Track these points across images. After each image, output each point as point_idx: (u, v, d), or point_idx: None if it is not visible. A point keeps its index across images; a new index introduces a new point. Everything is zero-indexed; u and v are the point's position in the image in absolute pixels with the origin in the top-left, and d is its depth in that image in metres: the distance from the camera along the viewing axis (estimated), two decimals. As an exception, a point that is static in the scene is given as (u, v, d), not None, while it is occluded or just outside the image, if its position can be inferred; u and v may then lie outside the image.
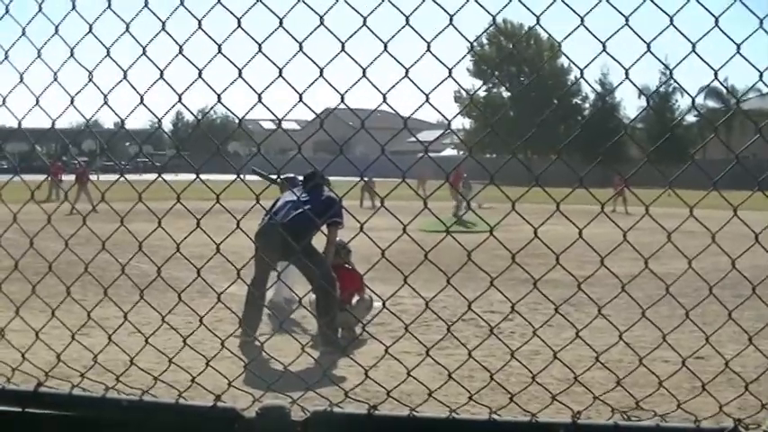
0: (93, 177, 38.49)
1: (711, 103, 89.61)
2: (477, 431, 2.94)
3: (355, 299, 12.42)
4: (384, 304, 12.23)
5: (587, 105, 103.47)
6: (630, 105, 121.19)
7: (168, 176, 3.48)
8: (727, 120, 32.56)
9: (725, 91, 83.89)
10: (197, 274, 3.33)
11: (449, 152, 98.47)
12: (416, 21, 2.95)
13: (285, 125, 3.26)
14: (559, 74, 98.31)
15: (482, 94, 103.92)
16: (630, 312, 5.13)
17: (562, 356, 3.63)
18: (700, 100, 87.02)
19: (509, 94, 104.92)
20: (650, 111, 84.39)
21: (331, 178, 12.97)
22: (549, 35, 2.96)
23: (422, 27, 2.97)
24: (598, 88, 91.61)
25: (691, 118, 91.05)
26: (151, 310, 3.89)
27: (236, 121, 3.16)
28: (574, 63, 3.10)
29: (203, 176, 3.36)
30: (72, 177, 36.88)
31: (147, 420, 3.06)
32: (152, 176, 3.59)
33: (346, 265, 12.61)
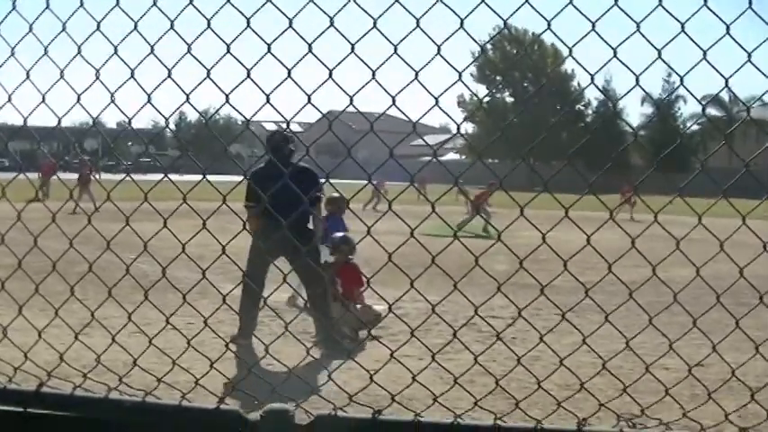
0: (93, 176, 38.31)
1: (714, 112, 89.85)
2: (481, 436, 2.93)
3: (359, 305, 12.40)
4: (390, 308, 12.08)
5: (590, 112, 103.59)
6: (633, 112, 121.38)
7: (173, 177, 3.46)
8: (729, 128, 32.57)
9: (727, 99, 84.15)
10: (202, 275, 3.32)
11: (451, 156, 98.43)
12: (424, 23, 2.95)
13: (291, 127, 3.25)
14: (563, 80, 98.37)
15: (485, 99, 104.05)
16: (631, 319, 5.12)
17: (565, 362, 3.62)
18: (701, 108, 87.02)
19: (512, 99, 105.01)
20: (653, 118, 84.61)
21: (334, 181, 12.94)
22: (561, 41, 2.94)
23: (428, 30, 2.96)
24: (600, 95, 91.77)
25: (693, 126, 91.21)
26: (150, 310, 3.88)
27: (239, 122, 3.16)
28: (584, 68, 3.08)
29: (199, 177, 3.36)
30: (74, 176, 36.79)
31: (149, 422, 3.05)
32: (154, 176, 3.59)
33: (349, 259, 12.60)
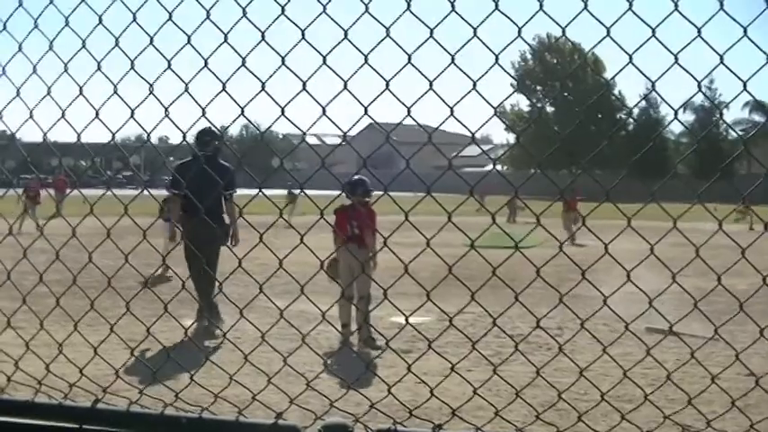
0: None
1: (757, 117, 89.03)
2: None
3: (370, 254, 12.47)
4: (407, 320, 12.04)
5: (631, 120, 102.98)
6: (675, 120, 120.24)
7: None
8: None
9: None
10: (259, 289, 3.31)
11: (491, 167, 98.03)
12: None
13: (329, 140, 3.24)
14: (602, 88, 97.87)
15: (525, 109, 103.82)
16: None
17: (611, 373, 3.58)
18: (745, 114, 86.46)
19: (553, 108, 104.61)
20: (695, 125, 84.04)
21: (376, 192, 13.02)
22: (621, 48, 2.90)
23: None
24: (643, 104, 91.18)
25: (736, 133, 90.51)
26: (186, 323, 3.86)
27: (281, 136, 3.15)
28: (646, 77, 3.04)
29: (244, 191, 3.36)
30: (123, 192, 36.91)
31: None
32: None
33: (366, 202, 12.59)
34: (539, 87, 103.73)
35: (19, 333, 3.93)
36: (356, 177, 12.67)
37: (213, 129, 12.30)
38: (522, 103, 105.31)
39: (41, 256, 3.64)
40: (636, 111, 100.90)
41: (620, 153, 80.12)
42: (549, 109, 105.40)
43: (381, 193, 3.27)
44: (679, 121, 3.35)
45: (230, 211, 12.61)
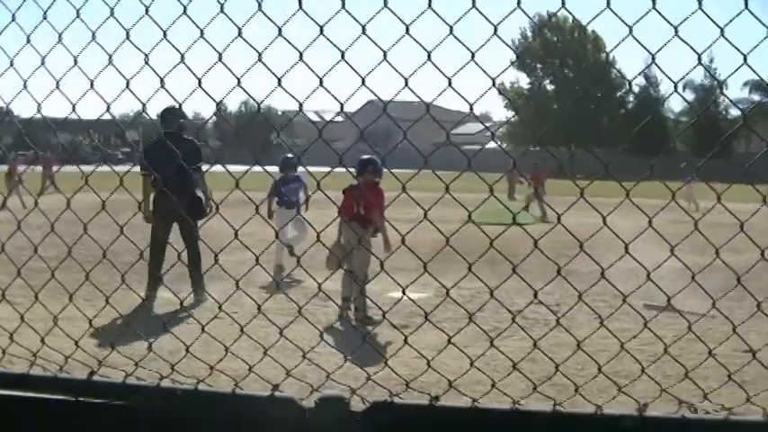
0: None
1: (756, 97, 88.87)
2: (541, 422, 2.88)
3: (377, 237, 12.52)
4: (404, 292, 12.04)
5: (631, 99, 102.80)
6: (674, 98, 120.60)
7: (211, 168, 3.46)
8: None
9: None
10: (256, 261, 3.29)
11: (491, 144, 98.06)
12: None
13: (328, 116, 3.22)
14: (603, 66, 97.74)
15: (526, 87, 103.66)
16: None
17: (608, 348, 3.58)
18: (744, 93, 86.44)
19: (553, 87, 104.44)
20: (695, 105, 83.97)
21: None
22: (621, 20, 2.88)
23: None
24: (642, 81, 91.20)
25: (735, 111, 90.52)
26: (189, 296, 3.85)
27: (280, 112, 3.14)
28: (647, 50, 3.02)
29: (240, 167, 3.35)
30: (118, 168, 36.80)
31: (202, 410, 3.03)
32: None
33: (376, 182, 12.56)
34: (539, 65, 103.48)
35: (15, 307, 3.92)
36: (366, 156, 12.62)
37: (176, 107, 12.52)
38: (523, 80, 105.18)
39: (38, 231, 3.62)
40: (636, 89, 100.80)
41: (620, 131, 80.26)
42: (550, 87, 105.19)
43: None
44: (679, 94, 3.36)
45: (200, 184, 12.89)
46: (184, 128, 13.88)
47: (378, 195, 12.34)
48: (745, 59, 2.85)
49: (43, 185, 35.68)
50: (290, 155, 17.30)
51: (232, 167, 3.44)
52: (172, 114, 13.03)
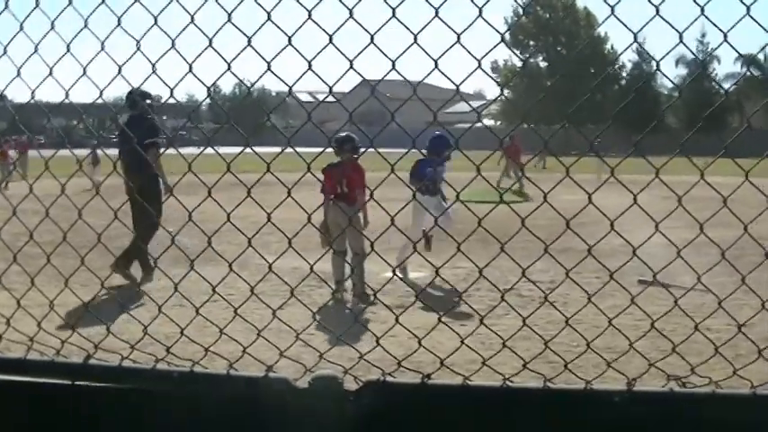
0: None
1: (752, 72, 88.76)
2: (531, 399, 2.93)
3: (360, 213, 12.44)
4: (395, 272, 12.24)
5: (624, 74, 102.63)
6: (668, 73, 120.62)
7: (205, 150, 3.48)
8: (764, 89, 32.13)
9: (763, 59, 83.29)
10: (248, 244, 3.32)
11: (486, 122, 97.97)
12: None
13: (320, 97, 3.25)
14: (596, 43, 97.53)
15: (519, 63, 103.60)
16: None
17: (603, 324, 3.61)
18: (738, 68, 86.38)
19: (546, 63, 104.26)
20: (686, 78, 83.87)
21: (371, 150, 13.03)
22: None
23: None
24: (635, 57, 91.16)
25: (728, 86, 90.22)
26: (188, 282, 3.87)
27: (274, 93, 3.16)
28: (627, 27, 3.05)
29: (237, 149, 3.37)
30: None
31: (197, 391, 3.06)
32: (188, 150, 3.61)
33: (353, 158, 12.61)
34: (531, 42, 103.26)
35: (12, 293, 3.95)
36: (343, 134, 12.67)
37: (141, 89, 12.53)
38: (516, 59, 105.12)
39: (34, 217, 3.64)
40: (629, 65, 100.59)
41: (613, 107, 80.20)
42: (542, 64, 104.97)
43: (373, 150, 3.27)
44: (660, 72, 3.37)
45: (153, 162, 12.52)
46: (149, 109, 13.84)
47: (358, 172, 12.34)
48: (725, 37, 2.88)
49: (11, 169, 35.55)
50: (438, 132, 13.39)
51: (227, 149, 3.47)
52: (139, 95, 12.87)
